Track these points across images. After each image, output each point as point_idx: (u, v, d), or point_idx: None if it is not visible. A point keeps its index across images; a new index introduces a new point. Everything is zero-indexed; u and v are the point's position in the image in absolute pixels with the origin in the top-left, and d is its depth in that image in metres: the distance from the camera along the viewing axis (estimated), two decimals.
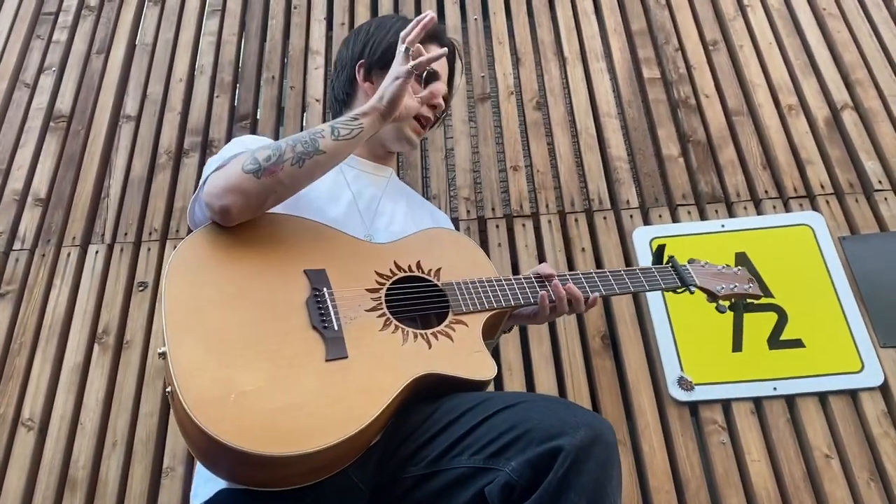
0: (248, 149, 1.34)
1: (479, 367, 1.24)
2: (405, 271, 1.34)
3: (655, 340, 2.29)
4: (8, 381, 2.38)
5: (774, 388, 2.20)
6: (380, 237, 1.43)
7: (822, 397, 2.19)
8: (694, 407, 2.21)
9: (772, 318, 2.30)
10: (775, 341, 2.27)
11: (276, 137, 2.89)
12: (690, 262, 1.55)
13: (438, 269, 1.37)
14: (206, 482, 1.21)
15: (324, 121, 2.87)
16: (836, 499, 2.04)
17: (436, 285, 1.34)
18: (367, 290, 1.28)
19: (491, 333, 1.36)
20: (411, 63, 1.31)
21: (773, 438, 2.14)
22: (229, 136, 2.88)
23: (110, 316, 2.49)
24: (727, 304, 1.55)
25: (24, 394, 2.36)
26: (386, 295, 1.29)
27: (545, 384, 2.27)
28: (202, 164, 2.81)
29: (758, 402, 2.20)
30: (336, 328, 1.19)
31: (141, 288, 2.54)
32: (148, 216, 2.69)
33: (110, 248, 2.64)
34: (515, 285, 1.38)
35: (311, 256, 1.29)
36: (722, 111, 2.76)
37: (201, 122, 2.89)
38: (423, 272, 1.35)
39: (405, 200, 1.61)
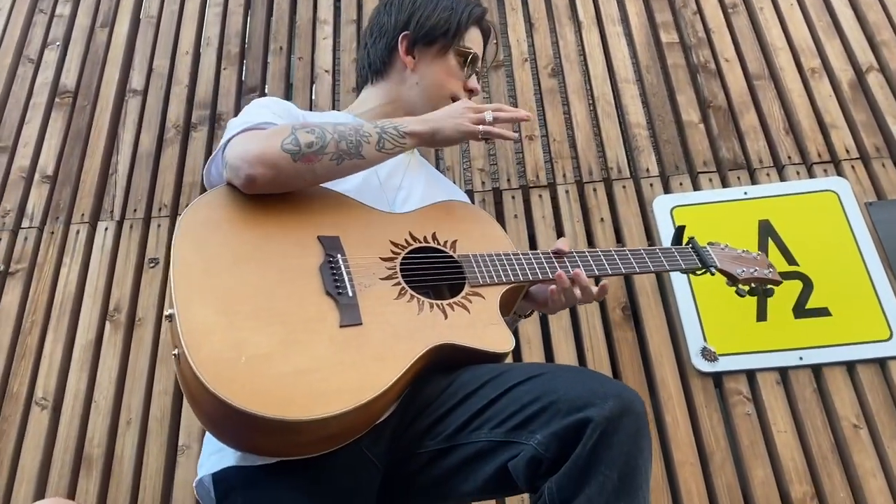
0: (276, 115, 1.32)
1: (496, 339, 1.20)
2: (420, 242, 1.30)
3: (678, 310, 2.24)
4: (21, 359, 2.36)
5: (800, 358, 2.15)
6: (396, 211, 1.38)
7: (850, 366, 2.14)
8: (718, 378, 2.17)
9: (797, 286, 2.25)
10: (801, 310, 2.22)
11: None
12: (710, 244, 1.51)
13: (454, 241, 1.33)
14: (211, 455, 1.18)
15: (333, 91, 2.82)
16: (865, 469, 1.99)
17: (451, 257, 1.30)
18: (382, 258, 1.24)
19: (506, 310, 1.31)
20: (483, 128, 1.29)
21: (799, 409, 2.09)
22: (237, 110, 2.82)
23: (121, 293, 2.45)
24: (747, 288, 1.52)
25: (36, 372, 2.34)
26: (401, 264, 1.25)
27: (565, 357, 2.22)
28: (211, 138, 2.76)
29: (783, 372, 2.15)
30: (350, 295, 1.14)
31: (152, 265, 2.50)
32: (157, 192, 2.65)
33: (120, 224, 2.60)
34: (533, 260, 1.33)
35: (325, 223, 1.25)
36: (742, 75, 2.68)
37: (209, 96, 2.84)
38: (438, 243, 1.31)
39: (424, 176, 1.55)
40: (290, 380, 1.01)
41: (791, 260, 2.27)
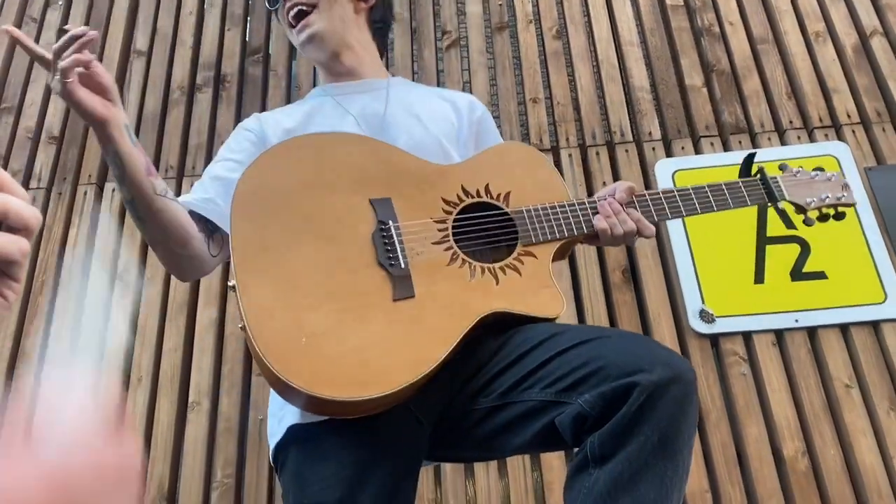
0: (224, 161, 1.40)
1: (547, 303, 1.20)
2: (473, 197, 1.28)
3: (677, 273, 2.28)
4: (32, 319, 2.40)
5: (796, 320, 2.19)
6: (401, 145, 1.36)
7: (844, 328, 2.19)
8: (715, 339, 2.22)
9: (794, 249, 2.29)
10: (798, 273, 2.26)
11: (289, 72, 2.84)
12: (782, 169, 1.41)
13: (508, 193, 1.30)
14: (280, 421, 1.24)
15: None
16: (856, 428, 2.06)
17: (505, 212, 1.28)
18: (434, 220, 1.24)
19: (561, 256, 1.32)
20: (55, 87, 1.15)
21: (793, 369, 2.14)
22: (242, 71, 2.83)
23: (130, 253, 2.49)
24: (815, 215, 1.41)
25: (48, 332, 2.38)
26: (453, 224, 1.25)
27: (565, 319, 2.25)
28: (216, 99, 2.77)
29: (779, 333, 2.20)
30: (402, 265, 1.16)
31: None
32: (163, 153, 2.67)
33: None
34: (589, 209, 1.29)
35: (376, 183, 1.25)
36: (746, 39, 2.68)
37: (213, 57, 2.84)
38: (491, 197, 1.29)
39: (412, 101, 1.52)
40: (348, 359, 1.06)
41: (789, 224, 2.30)
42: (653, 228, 1.29)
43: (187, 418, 2.25)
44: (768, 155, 2.43)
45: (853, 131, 2.46)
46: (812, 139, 2.47)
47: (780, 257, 2.28)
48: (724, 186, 1.34)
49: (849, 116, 2.48)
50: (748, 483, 2.05)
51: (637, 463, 0.98)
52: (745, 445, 2.08)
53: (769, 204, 1.38)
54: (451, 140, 1.45)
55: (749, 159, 1.44)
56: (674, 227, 2.33)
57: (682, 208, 1.32)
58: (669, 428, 0.99)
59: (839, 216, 1.41)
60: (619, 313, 2.28)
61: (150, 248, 1.30)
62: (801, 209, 1.39)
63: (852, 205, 1.42)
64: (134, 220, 1.25)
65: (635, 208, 1.29)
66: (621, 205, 1.28)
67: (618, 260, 2.36)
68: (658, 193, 1.32)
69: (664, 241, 2.35)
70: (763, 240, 2.30)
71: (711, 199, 1.33)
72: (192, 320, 2.38)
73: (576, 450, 1.07)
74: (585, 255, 2.36)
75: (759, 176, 1.39)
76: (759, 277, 2.26)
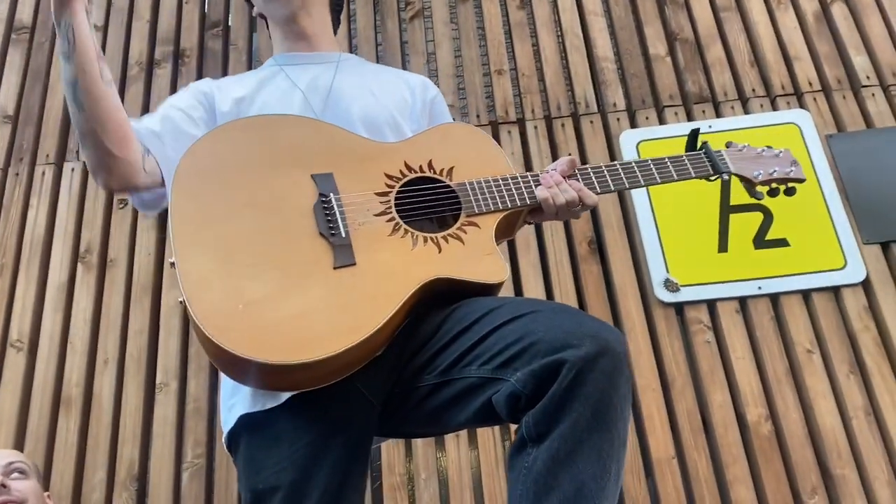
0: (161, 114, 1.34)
1: (490, 270, 1.21)
2: (416, 172, 1.29)
3: (642, 243, 2.30)
4: None
5: (759, 288, 2.23)
6: (341, 123, 1.35)
7: (806, 294, 2.23)
8: (679, 308, 2.25)
9: (757, 217, 2.31)
10: (760, 241, 2.29)
11: (250, 45, 2.79)
12: (728, 145, 1.43)
13: (451, 169, 1.30)
14: (229, 410, 1.24)
15: None
16: (816, 392, 2.10)
17: (448, 186, 1.29)
18: (377, 193, 1.24)
19: (508, 232, 1.33)
20: None
21: (757, 336, 2.18)
22: (202, 46, 2.77)
23: (92, 234, 2.45)
24: (765, 190, 1.42)
25: (10, 315, 2.35)
26: (396, 198, 1.25)
27: (533, 292, 2.28)
28: (175, 75, 2.71)
29: (743, 301, 2.23)
30: (343, 235, 1.16)
31: (121, 205, 2.49)
32: None
33: (86, 164, 2.57)
34: (532, 182, 1.30)
35: (318, 160, 1.25)
36: (710, 6, 2.68)
37: (171, 31, 2.78)
38: (434, 172, 1.29)
39: (364, 77, 1.51)
40: (288, 324, 1.06)
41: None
42: (595, 198, 1.30)
43: (155, 399, 2.24)
44: (732, 124, 2.45)
45: (814, 99, 2.48)
46: (774, 107, 2.48)
47: (744, 225, 2.30)
48: (667, 160, 1.36)
49: (810, 84, 2.50)
50: (713, 449, 2.10)
51: (572, 439, 0.99)
52: (710, 412, 2.12)
53: (715, 176, 1.38)
54: (403, 114, 1.45)
55: (694, 134, 1.44)
56: (638, 198, 2.34)
57: (625, 181, 1.34)
58: (601, 402, 1.00)
59: (790, 191, 1.44)
60: (585, 284, 2.30)
61: (80, 148, 1.22)
62: (748, 182, 1.40)
63: (802, 180, 1.43)
64: (72, 106, 1.19)
65: (577, 180, 1.31)
66: (563, 177, 1.30)
67: (584, 232, 2.37)
68: (601, 166, 1.34)
69: (629, 211, 2.37)
70: (727, 209, 2.33)
71: (655, 171, 1.35)
72: (157, 302, 2.36)
73: (514, 427, 1.08)
74: (552, 227, 2.37)
75: (703, 150, 1.40)
76: (722, 246, 2.29)
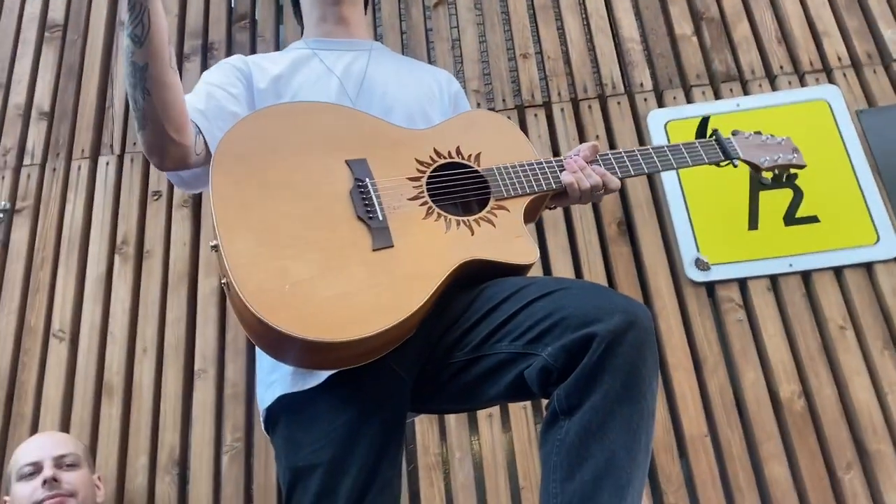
0: (198, 91, 1.35)
1: (521, 251, 1.26)
2: (445, 157, 1.33)
3: (671, 223, 2.30)
4: (35, 293, 2.43)
5: (790, 265, 2.22)
6: (375, 110, 1.40)
7: (838, 271, 2.21)
8: (710, 287, 2.25)
9: (787, 195, 2.30)
10: (791, 218, 2.28)
11: (277, 37, 2.82)
12: (734, 133, 1.52)
13: (478, 154, 1.35)
14: (267, 388, 1.27)
15: None
16: (850, 368, 2.10)
17: (476, 171, 1.33)
18: (409, 178, 1.28)
19: (532, 216, 1.36)
20: None
21: (788, 313, 2.18)
22: (230, 39, 2.81)
23: (128, 226, 2.50)
24: (770, 175, 1.53)
25: (51, 306, 2.41)
26: (427, 183, 1.29)
27: (562, 273, 2.30)
28: (204, 67, 2.75)
29: (774, 279, 2.23)
30: (381, 218, 1.20)
31: (156, 197, 2.54)
32: None
33: (120, 158, 2.62)
34: (556, 167, 1.35)
35: (350, 146, 1.28)
36: None
37: (199, 25, 2.81)
38: (462, 158, 1.34)
39: (396, 66, 1.56)
40: (332, 304, 1.09)
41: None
42: (617, 182, 1.36)
43: (194, 386, 2.29)
44: (760, 101, 2.43)
45: (844, 74, 2.45)
46: (803, 84, 2.46)
47: (774, 203, 2.29)
48: (682, 146, 1.44)
49: (839, 60, 2.48)
50: (746, 426, 2.10)
51: (603, 411, 1.02)
52: (743, 390, 2.12)
53: (726, 162, 1.48)
54: (432, 105, 1.51)
55: (704, 122, 1.53)
56: (668, 178, 2.34)
57: (644, 166, 1.40)
58: (630, 374, 1.03)
59: (791, 177, 1.51)
60: (615, 265, 2.31)
61: (138, 129, 1.20)
62: (755, 167, 1.51)
63: (803, 166, 1.54)
64: (136, 91, 1.16)
65: (599, 165, 1.37)
66: (586, 162, 1.35)
67: (613, 213, 2.38)
68: (621, 152, 1.40)
69: (658, 191, 2.37)
70: (756, 186, 2.32)
71: (671, 157, 1.42)
72: (194, 291, 2.41)
73: (545, 402, 1.10)
74: (581, 208, 2.38)
75: (714, 137, 1.50)
76: (753, 224, 2.28)
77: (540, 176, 1.34)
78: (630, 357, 1.03)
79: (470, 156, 1.35)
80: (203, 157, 1.29)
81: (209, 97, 1.34)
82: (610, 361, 1.02)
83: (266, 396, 1.28)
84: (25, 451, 1.89)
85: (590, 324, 1.04)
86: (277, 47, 2.79)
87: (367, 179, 1.24)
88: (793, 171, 1.55)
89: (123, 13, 1.15)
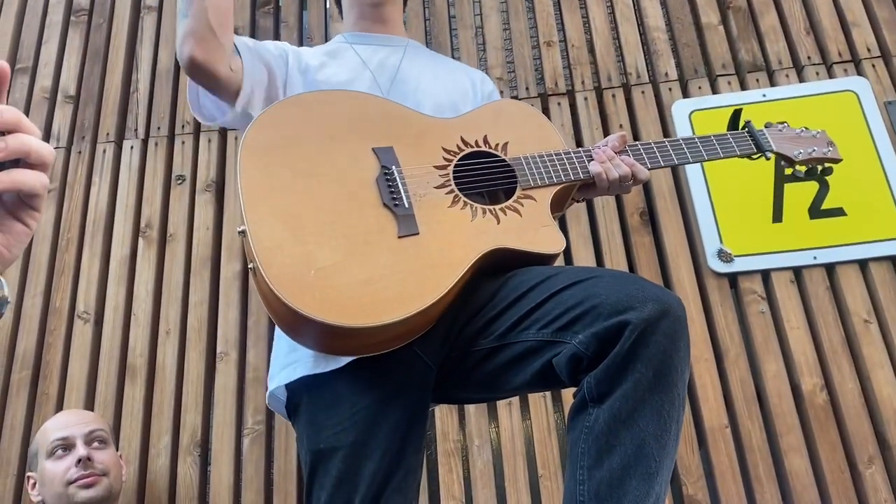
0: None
1: (547, 240, 1.25)
2: (472, 146, 1.33)
3: (694, 214, 2.29)
4: (60, 275, 2.46)
5: (815, 258, 2.20)
6: (408, 103, 1.41)
7: (863, 264, 2.19)
8: (733, 278, 2.24)
9: (813, 187, 2.28)
10: (816, 210, 2.26)
11: (301, 23, 2.83)
12: (767, 125, 1.48)
13: (506, 144, 1.35)
14: (283, 368, 1.28)
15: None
16: (874, 362, 2.08)
17: (503, 160, 1.33)
18: (435, 166, 1.28)
19: (559, 207, 1.36)
20: None
21: (812, 306, 2.16)
22: (253, 24, 2.82)
23: (152, 210, 2.52)
24: (804, 169, 1.50)
25: (76, 287, 2.44)
26: (454, 171, 1.28)
27: (583, 263, 2.29)
28: None
29: (798, 271, 2.21)
30: (406, 205, 1.20)
31: (179, 181, 2.56)
32: (179, 109, 2.68)
33: (144, 142, 2.64)
34: (585, 157, 1.35)
35: (377, 134, 1.29)
36: None
37: None
38: (489, 147, 1.34)
39: (431, 63, 1.58)
40: (357, 290, 1.10)
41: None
42: (647, 173, 1.35)
43: (216, 369, 2.31)
44: (786, 92, 2.41)
45: (873, 65, 2.42)
46: (831, 75, 2.44)
47: (799, 195, 2.27)
48: (713, 138, 1.42)
49: (868, 50, 2.45)
50: (767, 418, 2.09)
51: (634, 399, 1.02)
52: (764, 382, 2.11)
53: (758, 155, 1.44)
54: (465, 101, 1.52)
55: (736, 115, 1.49)
56: (691, 168, 2.33)
57: (674, 156, 1.38)
58: (662, 363, 1.02)
59: (826, 171, 1.47)
60: (637, 255, 2.30)
61: (180, 20, 1.26)
62: (789, 161, 1.47)
63: (838, 160, 1.50)
64: None
65: (628, 156, 1.35)
66: (615, 152, 1.34)
67: (635, 203, 2.37)
68: (650, 143, 1.39)
69: (682, 182, 2.35)
70: (781, 178, 2.30)
71: (702, 148, 1.40)
72: (217, 275, 2.43)
73: (574, 390, 1.10)
74: (603, 199, 2.37)
75: (746, 129, 1.46)
76: (777, 216, 2.26)
77: (568, 166, 1.33)
78: (663, 346, 1.03)
79: (497, 145, 1.34)
80: (232, 80, 1.31)
81: (256, 43, 1.40)
82: (642, 350, 1.02)
83: (283, 375, 1.28)
84: (54, 427, 1.91)
85: (622, 312, 1.04)
86: (301, 33, 2.80)
87: (394, 167, 1.24)
88: (827, 164, 1.51)
89: None
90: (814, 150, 1.47)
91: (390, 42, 1.57)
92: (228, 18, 1.28)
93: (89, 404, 2.29)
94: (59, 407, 2.28)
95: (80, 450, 1.84)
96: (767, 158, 1.46)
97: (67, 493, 1.81)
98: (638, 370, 1.02)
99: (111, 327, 2.38)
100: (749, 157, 1.45)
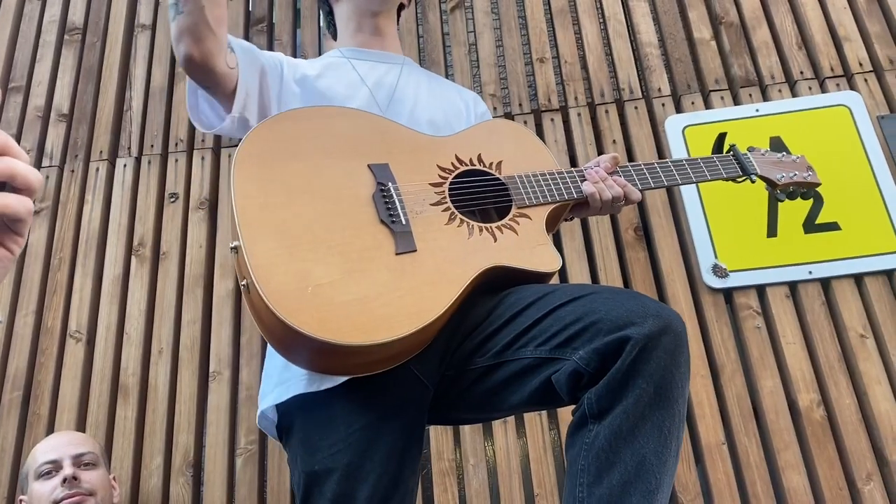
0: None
1: (544, 259, 1.25)
2: (467, 165, 1.33)
3: (689, 229, 2.28)
4: (52, 294, 2.44)
5: (810, 272, 2.20)
6: (405, 120, 1.41)
7: (858, 278, 2.19)
8: (728, 294, 2.23)
9: (807, 202, 2.28)
10: (811, 225, 2.25)
11: (294, 41, 2.83)
12: (751, 149, 1.52)
13: (500, 163, 1.35)
14: (276, 387, 1.26)
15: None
16: (870, 377, 2.07)
17: (498, 179, 1.33)
18: (431, 184, 1.28)
19: (553, 226, 1.36)
20: None
21: (808, 321, 2.15)
22: (246, 41, 2.81)
23: (145, 228, 2.51)
24: (786, 192, 1.53)
25: (68, 306, 2.43)
26: (449, 189, 1.28)
27: (579, 279, 2.28)
28: None
29: (793, 286, 2.20)
30: (404, 222, 1.19)
31: (172, 199, 2.55)
32: (172, 127, 2.67)
33: (138, 161, 2.64)
34: (577, 177, 1.36)
35: (373, 150, 1.28)
36: None
37: None
38: (484, 165, 1.34)
39: (426, 82, 1.59)
40: (354, 307, 1.08)
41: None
42: (639, 194, 1.38)
43: (209, 388, 2.29)
44: (779, 107, 2.41)
45: (865, 80, 2.43)
46: (823, 89, 2.44)
47: (793, 210, 2.27)
48: (700, 161, 1.45)
49: (861, 65, 2.45)
50: (764, 435, 2.07)
51: (635, 415, 1.01)
52: (761, 398, 2.10)
53: (743, 178, 1.49)
54: (459, 121, 1.53)
55: (721, 138, 1.54)
56: None
57: (664, 178, 1.41)
58: (663, 379, 1.02)
59: (806, 195, 1.55)
60: (632, 271, 2.29)
61: (173, 17, 1.24)
62: (772, 184, 1.52)
63: (818, 185, 1.56)
64: None
65: (620, 176, 1.37)
66: (607, 173, 1.36)
67: (629, 218, 2.36)
68: (641, 165, 1.41)
69: (676, 197, 2.35)
70: (798, 195, 2.29)
71: (690, 171, 1.43)
72: (210, 293, 2.41)
73: (573, 407, 1.09)
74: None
75: (731, 152, 1.50)
76: (771, 231, 2.26)
77: (561, 185, 1.34)
78: (664, 361, 1.02)
79: (491, 164, 1.35)
80: (228, 78, 1.30)
81: (251, 45, 1.40)
82: (644, 365, 1.01)
83: (275, 395, 1.25)
84: (44, 450, 1.89)
85: (623, 327, 1.03)
86: (294, 51, 2.80)
87: (390, 183, 1.24)
88: (808, 189, 1.56)
89: None
90: (795, 175, 1.52)
91: (387, 59, 1.57)
92: (223, 13, 1.27)
93: (81, 425, 2.27)
94: (51, 427, 2.26)
95: (67, 469, 1.83)
96: (752, 182, 1.49)
97: None
98: (639, 386, 1.01)
99: (103, 347, 2.36)
100: (734, 180, 1.49)
